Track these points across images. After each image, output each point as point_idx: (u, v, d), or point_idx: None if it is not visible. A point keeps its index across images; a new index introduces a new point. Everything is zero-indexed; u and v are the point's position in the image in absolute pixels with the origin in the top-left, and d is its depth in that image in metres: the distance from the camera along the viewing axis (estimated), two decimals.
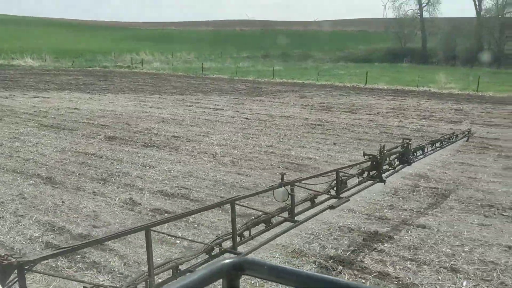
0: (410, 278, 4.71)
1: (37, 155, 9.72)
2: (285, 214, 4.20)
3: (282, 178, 3.98)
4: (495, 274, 4.84)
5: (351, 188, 5.08)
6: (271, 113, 16.13)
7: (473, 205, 6.91)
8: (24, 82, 25.87)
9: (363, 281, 4.70)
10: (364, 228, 6.01)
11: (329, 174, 4.92)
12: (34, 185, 7.72)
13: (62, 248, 2.80)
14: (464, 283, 4.64)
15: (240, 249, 3.72)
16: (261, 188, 7.47)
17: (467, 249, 5.42)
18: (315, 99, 20.51)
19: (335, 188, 4.78)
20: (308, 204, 4.51)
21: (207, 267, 0.97)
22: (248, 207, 4.45)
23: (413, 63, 46.59)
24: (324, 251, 5.34)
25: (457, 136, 8.80)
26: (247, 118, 14.92)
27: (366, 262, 5.07)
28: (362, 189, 5.28)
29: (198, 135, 12.05)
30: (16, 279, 2.37)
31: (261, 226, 4.02)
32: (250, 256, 3.40)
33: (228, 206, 4.31)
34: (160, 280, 3.26)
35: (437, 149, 7.48)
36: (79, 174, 8.38)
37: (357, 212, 6.51)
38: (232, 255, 3.58)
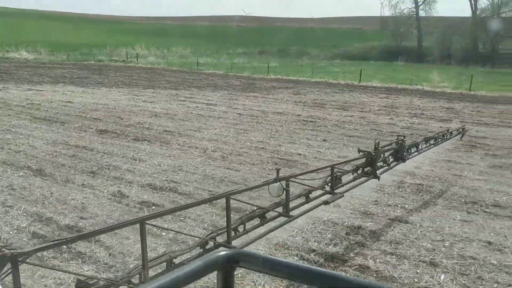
0: (389, 271, 4.82)
1: (28, 147, 9.76)
2: (280, 209, 4.25)
3: (277, 173, 4.02)
4: (473, 268, 4.95)
5: (345, 184, 5.14)
6: (264, 109, 16.21)
7: (457, 202, 7.03)
8: (18, 75, 25.80)
9: (343, 273, 4.80)
10: (348, 222, 6.11)
11: (324, 170, 4.99)
12: (24, 177, 7.76)
13: (56, 240, 2.83)
14: (442, 277, 4.75)
15: (234, 243, 3.75)
16: (256, 183, 7.61)
17: (447, 244, 5.53)
18: (309, 96, 20.59)
19: (329, 184, 4.84)
20: (302, 199, 4.58)
21: (201, 259, 0.98)
22: (243, 202, 4.50)
23: (408, 61, 46.75)
24: (307, 244, 5.44)
25: (451, 133, 8.89)
26: (239, 114, 14.99)
27: (347, 255, 5.17)
28: (356, 185, 5.35)
29: (190, 130, 12.12)
30: (10, 270, 2.37)
31: (256, 221, 4.06)
32: (245, 248, 3.46)
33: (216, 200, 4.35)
34: (154, 273, 3.27)
35: (431, 146, 7.57)
36: (69, 166, 8.43)
37: (342, 207, 6.60)
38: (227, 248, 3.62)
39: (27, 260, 2.55)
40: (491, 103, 19.57)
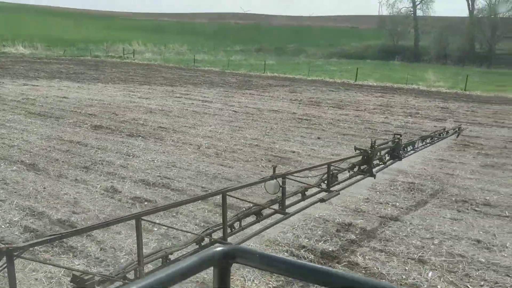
0: (377, 268, 4.86)
1: (22, 142, 9.76)
2: (276, 206, 4.28)
3: (274, 171, 4.04)
4: (460, 266, 5.00)
5: (341, 182, 5.18)
6: (259, 106, 16.23)
7: (448, 200, 7.08)
8: (14, 70, 25.72)
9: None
10: (339, 219, 6.16)
11: (321, 167, 5.02)
12: (17, 171, 7.77)
13: (51, 236, 2.82)
14: (430, 274, 4.80)
15: (230, 240, 3.77)
16: (250, 180, 7.64)
17: (436, 242, 5.58)
18: (305, 94, 20.61)
19: (326, 182, 4.87)
20: (298, 196, 4.60)
21: (198, 255, 0.97)
22: (239, 199, 4.52)
23: (405, 61, 46.83)
24: (297, 241, 5.48)
25: (447, 132, 8.93)
26: (235, 111, 15.01)
27: (337, 252, 5.21)
28: (352, 183, 5.38)
29: (185, 126, 12.13)
30: (5, 265, 2.37)
31: (252, 218, 4.08)
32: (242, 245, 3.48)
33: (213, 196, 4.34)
34: (149, 269, 3.28)
35: (428, 145, 7.61)
36: (62, 161, 8.44)
37: (334, 204, 6.64)
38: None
39: (23, 255, 2.55)
40: (486, 103, 19.66)
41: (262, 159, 9.19)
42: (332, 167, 4.92)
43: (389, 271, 4.81)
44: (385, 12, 70.63)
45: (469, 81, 24.49)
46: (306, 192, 4.64)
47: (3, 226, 5.60)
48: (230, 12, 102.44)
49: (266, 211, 4.23)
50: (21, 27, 56.77)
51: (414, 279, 4.68)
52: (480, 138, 12.04)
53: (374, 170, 5.63)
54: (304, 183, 4.66)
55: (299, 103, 17.51)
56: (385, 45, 53.75)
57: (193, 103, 16.32)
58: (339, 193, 4.97)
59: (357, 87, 24.25)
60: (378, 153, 5.85)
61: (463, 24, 51.75)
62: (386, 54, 49.65)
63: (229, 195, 3.72)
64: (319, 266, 0.96)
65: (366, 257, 5.10)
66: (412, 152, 6.89)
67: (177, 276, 0.90)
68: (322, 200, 4.71)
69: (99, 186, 7.15)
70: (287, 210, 4.33)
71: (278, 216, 4.30)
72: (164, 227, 5.41)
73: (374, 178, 5.77)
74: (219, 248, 0.98)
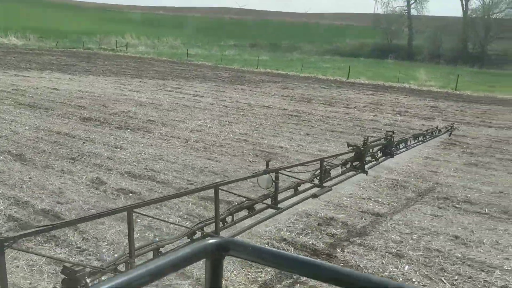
0: (355, 261, 4.96)
1: (10, 133, 9.76)
2: (269, 201, 4.30)
3: (267, 165, 4.06)
4: (436, 260, 5.11)
5: (334, 177, 5.23)
6: (250, 102, 16.28)
7: (429, 197, 7.20)
8: (6, 61, 25.53)
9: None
10: (321, 214, 6.25)
11: (313, 163, 5.05)
12: (4, 161, 7.79)
13: (42, 226, 2.85)
14: (406, 267, 4.91)
15: (222, 234, 3.79)
16: (236, 174, 7.71)
17: (415, 237, 5.68)
18: (296, 90, 20.69)
19: (318, 177, 4.92)
20: (291, 191, 4.64)
21: (190, 246, 0.96)
22: (232, 193, 4.54)
23: (398, 59, 47.04)
24: (279, 234, 5.56)
25: (440, 130, 9.03)
26: (225, 106, 15.06)
27: (317, 245, 5.30)
28: (344, 179, 5.44)
29: (174, 120, 12.17)
30: None
31: (244, 212, 4.10)
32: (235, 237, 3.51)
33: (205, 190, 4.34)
34: (140, 262, 3.32)
35: (420, 143, 7.71)
36: (49, 152, 8.46)
37: (317, 199, 6.72)
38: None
39: (14, 246, 2.55)
40: (476, 102, 19.84)
41: (249, 154, 9.26)
42: (324, 163, 4.96)
43: (366, 264, 4.91)
44: (380, 10, 70.66)
45: (461, 81, 24.69)
46: (298, 188, 4.67)
47: None
48: (225, 7, 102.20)
49: (259, 206, 4.24)
50: (14, 18, 56.27)
51: (390, 272, 4.78)
52: (467, 137, 12.18)
53: (366, 166, 5.69)
54: (297, 178, 4.69)
55: (291, 100, 17.58)
56: (379, 44, 53.97)
57: (184, 97, 16.35)
58: (331, 189, 5.01)
59: (349, 85, 24.36)
60: (371, 150, 5.91)
61: (457, 24, 52.07)
62: (380, 52, 49.85)
63: (221, 189, 3.74)
64: (311, 259, 0.98)
65: (345, 250, 5.20)
66: (404, 149, 6.97)
67: (168, 268, 0.89)
68: (314, 196, 4.75)
69: (85, 177, 7.19)
70: (279, 205, 4.36)
71: (271, 211, 4.32)
72: (148, 218, 5.47)
73: (366, 175, 5.85)
74: (212, 240, 0.98)
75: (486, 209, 6.78)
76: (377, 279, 0.90)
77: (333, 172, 5.32)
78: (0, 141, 9.03)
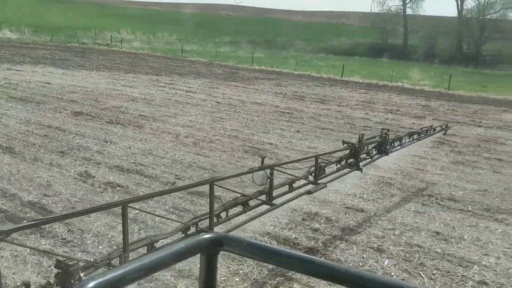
0: (336, 255, 5.05)
1: (1, 126, 9.79)
2: (263, 197, 4.33)
3: (262, 161, 4.08)
4: (417, 255, 5.21)
5: (329, 174, 5.28)
6: (243, 99, 16.34)
7: (414, 194, 7.29)
8: None
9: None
10: (306, 209, 6.33)
11: (309, 160, 5.09)
12: None
13: (36, 220, 2.88)
14: (386, 262, 5.00)
15: (216, 230, 3.82)
16: (225, 170, 7.77)
17: (397, 233, 5.78)
18: (290, 88, 20.76)
19: (313, 174, 4.95)
20: (286, 188, 4.67)
21: (185, 241, 0.95)
22: (227, 189, 4.53)
23: (393, 59, 47.16)
24: (263, 228, 5.63)
25: (434, 129, 9.12)
26: (218, 102, 15.11)
27: (299, 239, 5.39)
28: (339, 176, 5.48)
29: (165, 115, 12.21)
30: None
31: (239, 208, 4.14)
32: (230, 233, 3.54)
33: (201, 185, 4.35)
34: (134, 256, 3.35)
35: (414, 141, 7.79)
36: (39, 146, 8.50)
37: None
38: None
39: (7, 239, 2.54)
40: (467, 102, 19.98)
41: (239, 150, 9.33)
42: (319, 160, 4.99)
43: (347, 258, 5.00)
44: (377, 9, 70.80)
45: (454, 80, 24.86)
46: (293, 184, 4.70)
47: None
48: (222, 4, 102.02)
49: (253, 202, 4.25)
50: (9, 12, 55.95)
51: (370, 266, 4.87)
52: (456, 136, 12.29)
53: (361, 164, 5.76)
54: (291, 175, 4.73)
55: (283, 97, 17.65)
56: (374, 42, 54.06)
57: (176, 93, 16.38)
58: (326, 186, 5.05)
59: (343, 83, 24.45)
60: (366, 148, 5.97)
61: (452, 24, 52.28)
62: (375, 51, 49.95)
63: (217, 185, 3.77)
64: (306, 255, 0.98)
65: (327, 244, 5.29)
66: (399, 147, 7.04)
67: (163, 262, 0.89)
68: (309, 192, 4.79)
69: (73, 170, 7.24)
70: (274, 202, 4.39)
71: (265, 207, 4.35)
72: (134, 211, 5.52)
73: (361, 172, 5.90)
74: (207, 235, 0.97)
75: (469, 207, 6.89)
76: (375, 276, 0.90)
77: (328, 169, 5.38)
78: None
